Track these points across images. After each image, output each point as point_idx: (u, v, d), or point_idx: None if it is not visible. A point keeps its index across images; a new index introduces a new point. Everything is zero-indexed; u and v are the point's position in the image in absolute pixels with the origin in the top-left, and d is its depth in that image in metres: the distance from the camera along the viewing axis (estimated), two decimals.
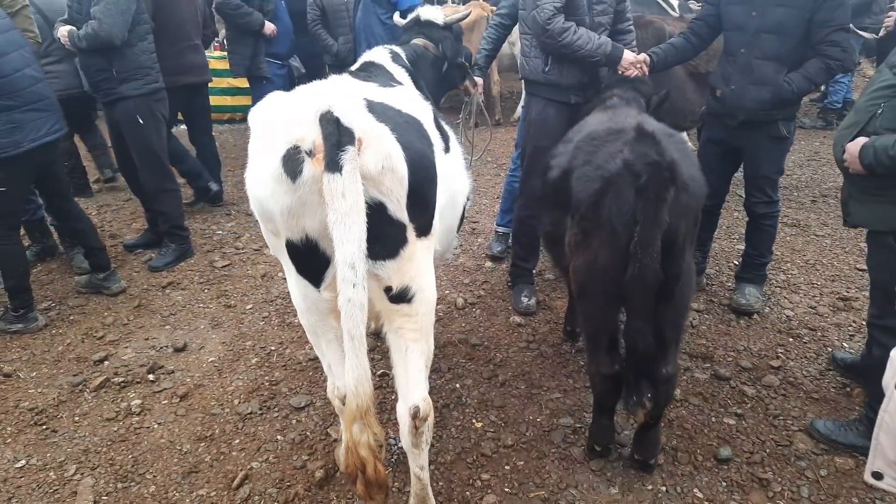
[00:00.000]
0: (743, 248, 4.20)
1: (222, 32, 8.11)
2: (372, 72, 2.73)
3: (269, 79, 6.23)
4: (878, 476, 1.66)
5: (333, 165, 1.71)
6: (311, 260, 1.95)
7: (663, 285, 2.17)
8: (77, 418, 3.14)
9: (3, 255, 3.81)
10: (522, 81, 4.28)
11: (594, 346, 2.50)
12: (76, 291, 4.35)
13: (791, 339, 3.68)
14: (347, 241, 1.73)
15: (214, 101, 8.72)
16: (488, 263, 4.70)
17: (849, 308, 3.98)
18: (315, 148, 1.76)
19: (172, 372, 3.49)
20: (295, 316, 3.94)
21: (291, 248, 1.97)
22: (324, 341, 2.23)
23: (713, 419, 3.04)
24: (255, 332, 3.87)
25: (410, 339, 2.11)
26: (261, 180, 1.89)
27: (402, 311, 2.08)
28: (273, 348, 3.70)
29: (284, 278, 4.30)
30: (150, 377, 3.44)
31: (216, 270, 4.67)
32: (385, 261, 1.97)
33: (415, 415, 2.12)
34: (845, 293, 4.14)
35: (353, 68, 2.87)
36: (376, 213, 1.86)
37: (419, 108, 2.32)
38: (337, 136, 1.73)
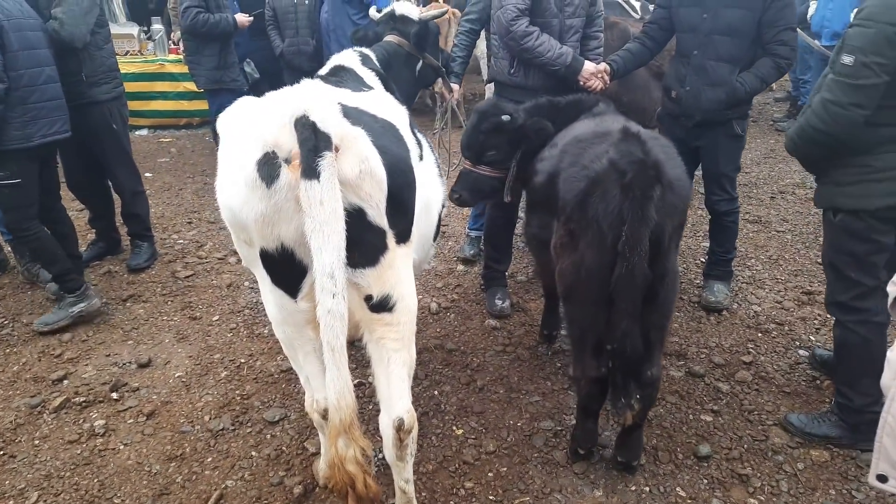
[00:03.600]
0: (708, 245, 4.27)
1: (177, 34, 7.86)
2: (342, 76, 2.67)
3: (238, 91, 6.04)
4: (882, 479, 1.65)
5: (310, 172, 1.65)
6: (288, 269, 1.88)
7: (649, 286, 2.16)
8: (37, 442, 2.97)
9: (38, 247, 3.93)
10: (486, 84, 4.29)
11: (580, 349, 2.48)
12: (30, 307, 4.14)
13: (760, 335, 3.75)
14: (326, 249, 1.67)
15: (171, 105, 8.49)
16: (460, 266, 4.67)
17: (813, 302, 4.07)
18: (291, 155, 1.69)
19: (137, 389, 3.34)
20: (265, 326, 3.84)
21: (266, 257, 1.89)
22: (301, 354, 2.16)
23: (690, 416, 3.07)
24: (223, 345, 3.74)
25: (392, 349, 2.06)
26: (233, 187, 1.81)
27: (383, 321, 2.02)
28: (243, 360, 3.58)
29: (251, 287, 4.22)
30: (114, 395, 3.28)
31: (179, 281, 4.51)
32: (365, 269, 1.92)
33: (399, 427, 2.07)
34: (808, 287, 4.24)
35: (322, 72, 2.80)
36: (355, 219, 1.80)
37: (394, 112, 2.27)
38: (314, 141, 1.67)
